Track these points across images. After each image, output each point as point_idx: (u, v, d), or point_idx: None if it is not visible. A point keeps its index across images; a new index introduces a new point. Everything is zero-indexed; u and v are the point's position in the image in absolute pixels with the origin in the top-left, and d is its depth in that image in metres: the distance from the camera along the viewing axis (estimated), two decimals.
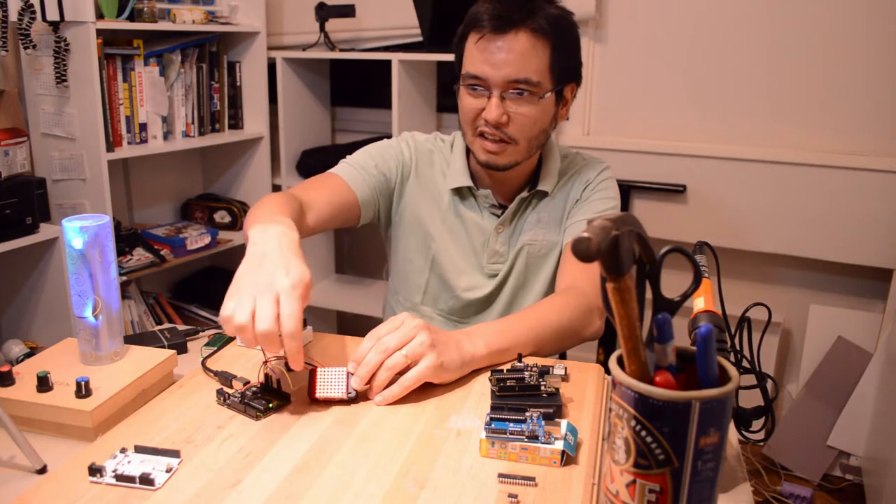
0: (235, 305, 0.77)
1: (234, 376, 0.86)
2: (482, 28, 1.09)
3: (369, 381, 0.84)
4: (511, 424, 0.73)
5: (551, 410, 0.75)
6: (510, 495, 0.66)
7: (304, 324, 1.01)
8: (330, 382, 0.82)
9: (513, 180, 1.24)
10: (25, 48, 1.84)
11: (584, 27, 2.32)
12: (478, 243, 1.26)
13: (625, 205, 2.33)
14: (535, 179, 1.25)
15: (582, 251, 0.49)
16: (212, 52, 2.38)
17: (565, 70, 1.14)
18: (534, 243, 1.24)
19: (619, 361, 0.56)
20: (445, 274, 1.27)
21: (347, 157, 1.26)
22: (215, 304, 2.49)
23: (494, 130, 1.12)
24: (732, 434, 0.79)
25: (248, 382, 0.85)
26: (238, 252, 2.63)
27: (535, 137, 1.15)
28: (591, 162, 1.29)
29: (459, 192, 1.25)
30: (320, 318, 2.76)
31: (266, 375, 0.85)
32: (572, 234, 1.22)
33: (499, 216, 1.24)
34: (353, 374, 0.84)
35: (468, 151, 1.24)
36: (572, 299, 1.07)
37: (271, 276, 0.78)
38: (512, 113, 1.11)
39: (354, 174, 1.22)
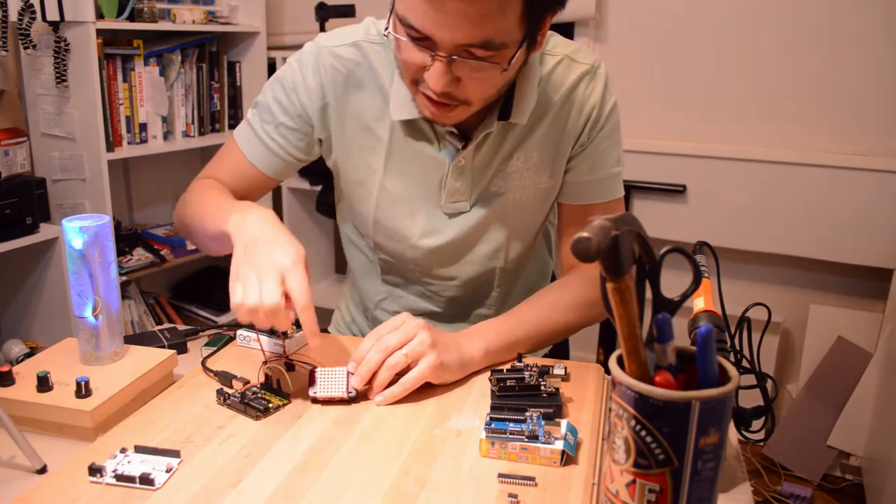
0: (243, 290, 0.78)
1: (234, 376, 0.86)
2: None
3: (370, 381, 0.84)
4: (511, 424, 0.73)
5: (551, 410, 0.75)
6: (510, 495, 0.66)
7: None
8: (330, 382, 0.82)
9: None
10: (25, 48, 1.84)
11: (584, 27, 2.32)
12: (434, 179, 1.01)
13: (625, 205, 2.33)
14: (505, 101, 0.95)
15: (582, 251, 0.49)
16: (212, 52, 2.38)
17: (545, 7, 0.83)
18: (524, 187, 1.02)
19: (619, 361, 0.56)
20: (394, 220, 1.05)
21: (252, 109, 1.05)
22: (215, 304, 2.50)
23: (440, 96, 0.85)
24: (732, 434, 0.79)
25: (248, 382, 0.85)
26: None
27: (493, 95, 0.89)
28: (585, 70, 0.99)
29: (408, 121, 0.98)
30: (320, 319, 2.74)
31: (266, 375, 0.85)
32: (579, 194, 1.03)
33: (458, 148, 0.97)
34: (353, 374, 0.84)
35: None
36: (582, 292, 1.01)
37: (270, 257, 0.79)
38: (464, 77, 0.83)
39: (257, 148, 1.03)
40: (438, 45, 0.80)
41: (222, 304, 2.50)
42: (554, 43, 1.00)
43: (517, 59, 0.84)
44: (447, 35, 0.79)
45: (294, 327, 0.99)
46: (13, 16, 1.81)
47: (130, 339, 0.96)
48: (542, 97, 0.98)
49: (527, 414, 0.74)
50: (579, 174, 1.03)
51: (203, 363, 0.92)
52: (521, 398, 0.79)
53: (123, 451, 0.71)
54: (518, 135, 0.99)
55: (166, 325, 1.14)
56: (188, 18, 2.21)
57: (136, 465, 0.69)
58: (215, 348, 0.97)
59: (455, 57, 0.81)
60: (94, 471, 0.68)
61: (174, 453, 0.71)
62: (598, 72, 1.00)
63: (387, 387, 0.84)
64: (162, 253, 2.24)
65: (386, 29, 0.87)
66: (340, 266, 2.91)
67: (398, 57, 0.89)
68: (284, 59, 2.44)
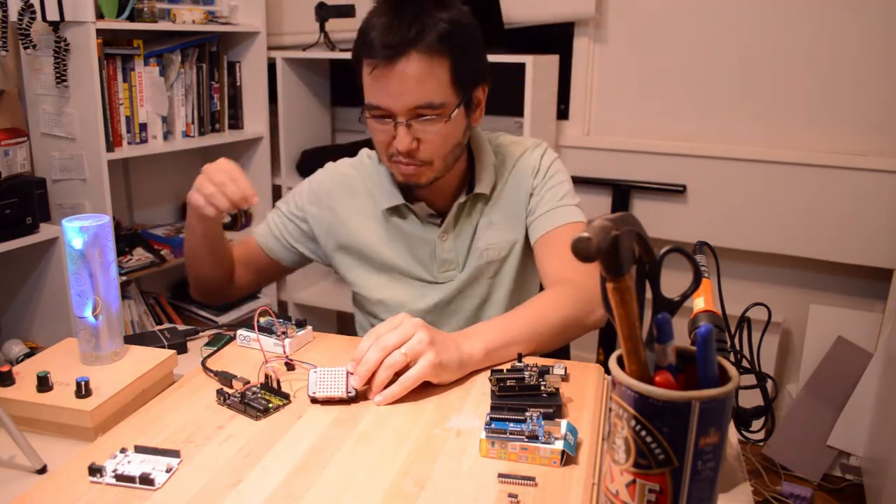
0: (201, 183, 1.12)
1: (234, 376, 0.86)
2: (374, 58, 1.04)
3: (369, 381, 0.84)
4: (511, 424, 0.73)
5: (551, 410, 0.75)
6: (510, 495, 0.66)
7: (304, 324, 1.01)
8: (330, 382, 0.82)
9: (446, 187, 1.19)
10: (25, 48, 1.84)
11: (584, 27, 2.32)
12: (424, 255, 1.22)
13: (625, 205, 2.33)
14: (470, 181, 1.21)
15: (582, 251, 0.49)
16: (212, 52, 2.38)
17: (470, 77, 1.10)
18: (492, 247, 1.21)
19: (619, 361, 0.56)
20: (387, 291, 1.24)
21: (274, 209, 1.33)
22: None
23: (407, 157, 1.09)
24: (732, 434, 0.79)
25: (248, 382, 0.85)
26: None
27: (449, 153, 1.12)
28: (526, 147, 1.25)
29: (394, 210, 1.21)
30: (320, 318, 2.76)
31: (266, 375, 0.85)
32: (540, 228, 1.19)
33: (439, 225, 1.21)
34: (352, 374, 0.84)
35: None
36: (570, 291, 1.06)
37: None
38: (421, 137, 1.08)
39: (262, 228, 1.31)
40: (397, 114, 1.06)
41: (222, 304, 2.50)
42: (503, 138, 1.27)
43: (457, 115, 1.09)
44: (400, 102, 1.05)
45: (294, 327, 0.99)
46: (13, 16, 1.81)
47: (130, 339, 0.96)
48: (498, 170, 1.23)
49: (527, 414, 0.74)
50: (536, 213, 1.21)
51: (203, 363, 0.92)
52: (521, 398, 0.79)
53: (123, 451, 0.71)
54: (483, 203, 1.22)
55: (166, 325, 1.14)
56: (188, 18, 2.21)
57: (136, 465, 0.69)
58: (215, 348, 0.97)
59: (410, 122, 1.06)
60: (94, 471, 0.68)
61: (174, 453, 0.71)
62: (537, 146, 1.26)
63: (386, 386, 0.84)
64: (162, 253, 2.24)
65: (361, 117, 1.13)
66: None
67: (375, 140, 1.14)
68: (284, 60, 2.45)
